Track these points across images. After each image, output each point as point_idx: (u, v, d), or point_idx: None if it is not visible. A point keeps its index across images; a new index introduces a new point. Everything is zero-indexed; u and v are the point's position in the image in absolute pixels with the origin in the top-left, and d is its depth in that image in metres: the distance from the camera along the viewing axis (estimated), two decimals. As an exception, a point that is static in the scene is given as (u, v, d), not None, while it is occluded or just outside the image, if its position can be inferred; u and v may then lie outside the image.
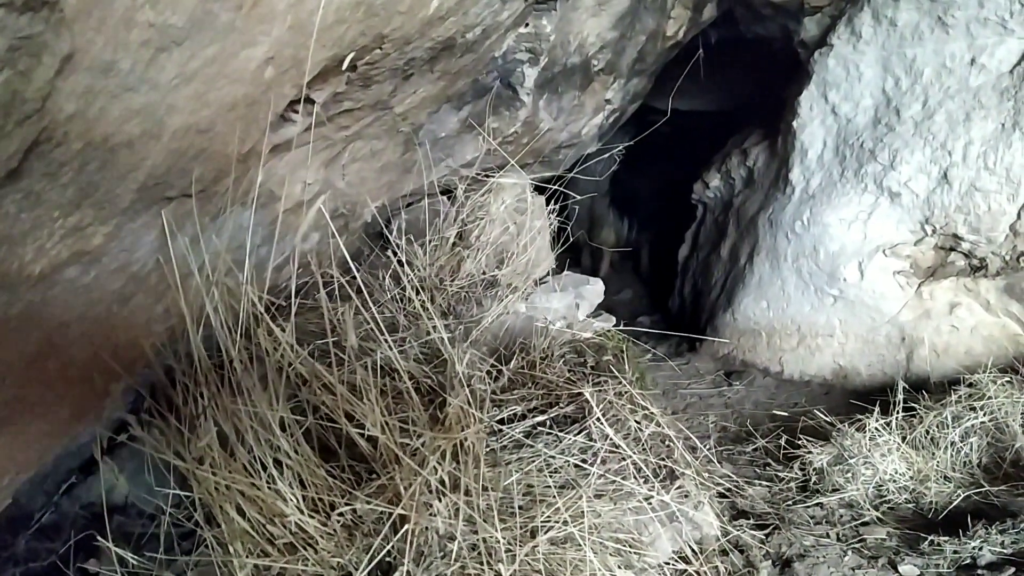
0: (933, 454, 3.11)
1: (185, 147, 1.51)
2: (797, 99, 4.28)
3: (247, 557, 1.70)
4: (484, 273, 2.92)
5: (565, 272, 3.72)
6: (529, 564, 1.96)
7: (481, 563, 1.91)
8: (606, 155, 4.15)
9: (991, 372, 3.46)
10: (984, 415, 3.19)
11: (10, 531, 2.08)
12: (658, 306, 6.67)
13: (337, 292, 2.96)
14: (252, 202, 2.10)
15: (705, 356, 4.97)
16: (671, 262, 6.35)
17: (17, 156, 1.11)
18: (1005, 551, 2.52)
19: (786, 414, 3.76)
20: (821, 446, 3.25)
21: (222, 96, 1.51)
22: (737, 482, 3.04)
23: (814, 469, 3.16)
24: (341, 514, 1.70)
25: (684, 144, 6.44)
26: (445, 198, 3.45)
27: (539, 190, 3.73)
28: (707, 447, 3.02)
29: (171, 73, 1.33)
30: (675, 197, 6.78)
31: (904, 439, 3.17)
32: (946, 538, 2.62)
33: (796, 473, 3.20)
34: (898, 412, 3.27)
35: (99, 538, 1.82)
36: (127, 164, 1.37)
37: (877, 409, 3.32)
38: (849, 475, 3.07)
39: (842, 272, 4.13)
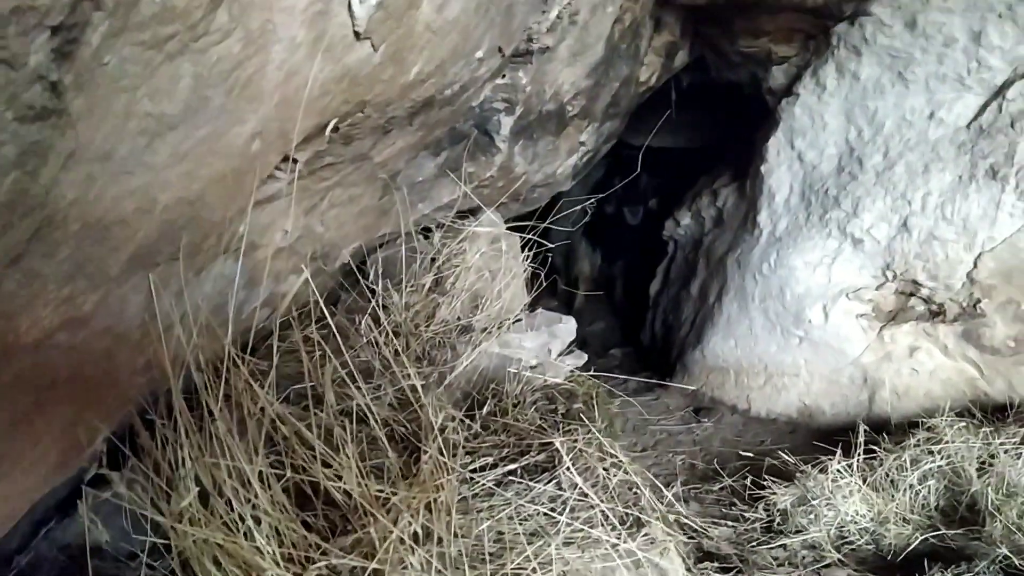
0: (893, 496, 3.18)
1: (175, 218, 1.57)
2: (765, 144, 4.41)
3: (224, 609, 1.75)
4: (459, 319, 2.99)
5: (539, 310, 3.78)
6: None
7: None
8: (578, 207, 4.23)
9: (948, 416, 3.58)
10: (941, 459, 3.28)
11: (-12, 577, 2.11)
12: (630, 338, 6.75)
13: (315, 335, 3.02)
14: (235, 253, 2.17)
15: (675, 392, 5.03)
16: (645, 295, 6.44)
17: (22, 244, 1.17)
18: (960, 594, 2.61)
19: (752, 454, 3.83)
20: (785, 487, 3.31)
21: (212, 171, 1.58)
22: (703, 524, 3.10)
23: (778, 510, 3.22)
24: (318, 569, 1.75)
25: (657, 179, 6.57)
26: (421, 237, 3.51)
27: (514, 229, 3.81)
28: (674, 488, 3.09)
29: (165, 155, 1.40)
30: (649, 231, 6.89)
31: (865, 481, 3.24)
32: (904, 581, 2.71)
33: (761, 514, 3.27)
34: (859, 454, 3.35)
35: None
36: (120, 238, 1.43)
37: (839, 451, 3.40)
38: (812, 516, 3.13)
39: (807, 314, 4.25)
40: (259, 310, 2.71)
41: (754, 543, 3.10)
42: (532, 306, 3.71)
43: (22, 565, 2.23)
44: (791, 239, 4.31)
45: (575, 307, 6.95)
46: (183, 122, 1.38)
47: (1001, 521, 2.88)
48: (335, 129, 2.11)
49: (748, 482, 3.48)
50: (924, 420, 3.59)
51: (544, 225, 3.53)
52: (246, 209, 1.93)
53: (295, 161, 2.14)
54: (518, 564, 2.14)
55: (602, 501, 2.37)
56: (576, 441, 2.51)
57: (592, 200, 4.11)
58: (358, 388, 2.29)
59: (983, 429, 3.42)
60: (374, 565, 1.74)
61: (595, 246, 7.64)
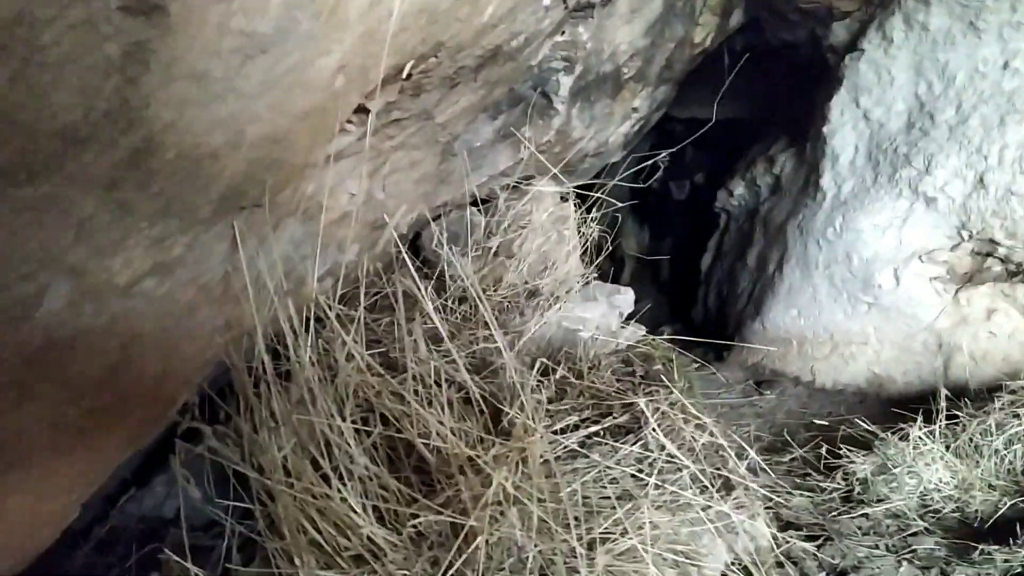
0: (977, 462, 3.06)
1: (261, 157, 1.50)
2: (827, 104, 4.25)
3: (316, 569, 1.68)
4: (526, 283, 2.90)
5: (595, 281, 3.70)
6: (592, 576, 1.93)
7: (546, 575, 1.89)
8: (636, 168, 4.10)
9: (1031, 378, 3.44)
10: (1028, 422, 3.15)
11: (68, 546, 2.07)
12: (679, 316, 6.63)
13: (378, 304, 2.95)
14: (305, 213, 2.10)
15: (733, 366, 4.91)
16: (693, 271, 6.32)
17: (120, 168, 1.10)
18: (1056, 559, 2.49)
19: (825, 423, 3.71)
20: (864, 455, 3.20)
21: (298, 105, 1.51)
22: (781, 493, 3.00)
23: (857, 479, 3.11)
24: (414, 526, 1.67)
25: (706, 152, 6.43)
26: (477, 209, 3.44)
27: (565, 199, 3.72)
28: (748, 457, 2.99)
29: (256, 81, 1.32)
30: (696, 206, 6.77)
31: (948, 447, 3.12)
32: (996, 547, 2.57)
33: (839, 483, 3.15)
34: (941, 420, 3.23)
35: (165, 550, 1.80)
36: (210, 174, 1.36)
37: (920, 417, 3.28)
38: (894, 484, 3.02)
39: (877, 279, 4.10)
40: (323, 279, 2.64)
41: (835, 512, 2.99)
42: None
43: (101, 535, 2.19)
44: (858, 201, 4.16)
45: (622, 284, 6.84)
46: (273, 45, 1.30)
47: (1093, 483, 2.76)
48: (408, 76, 2.03)
49: (822, 452, 3.35)
50: (1006, 384, 3.44)
51: (599, 195, 3.43)
52: (322, 160, 1.85)
53: (367, 112, 2.06)
54: (607, 527, 2.05)
55: (690, 463, 2.28)
56: (659, 402, 2.41)
57: (657, 159, 3.95)
58: (435, 350, 2.21)
59: (1070, 391, 3.28)
60: (471, 522, 1.66)
61: (642, 223, 7.53)
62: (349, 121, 2.07)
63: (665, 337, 3.33)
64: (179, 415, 1.98)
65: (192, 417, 1.85)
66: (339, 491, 1.67)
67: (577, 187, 3.73)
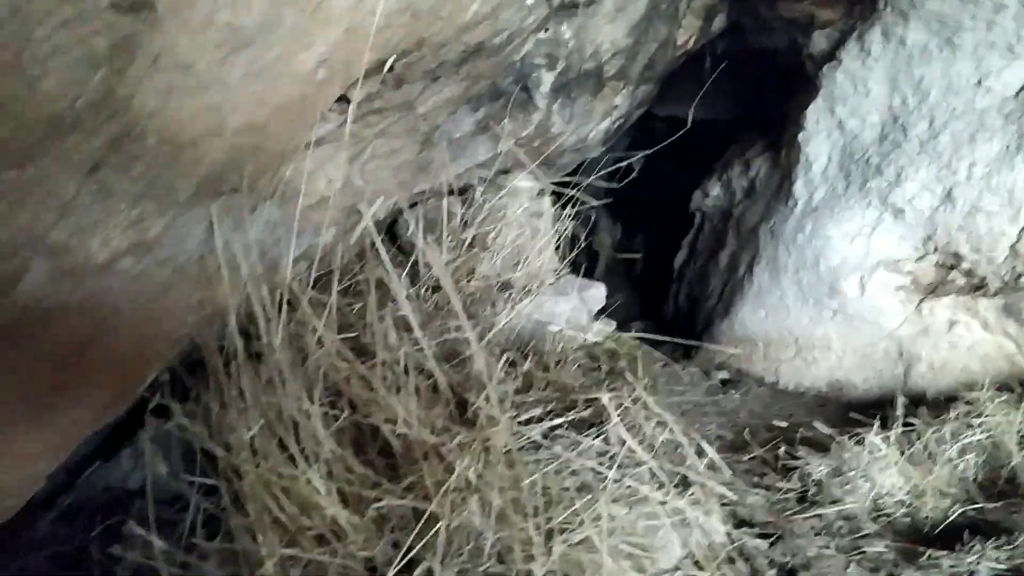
0: (931, 470, 3.13)
1: (243, 144, 1.53)
2: (804, 112, 4.32)
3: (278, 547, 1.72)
4: (499, 276, 2.95)
5: (567, 276, 3.74)
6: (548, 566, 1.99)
7: (503, 562, 1.94)
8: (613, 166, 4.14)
9: (989, 390, 3.52)
10: (981, 432, 3.23)
11: (31, 516, 2.09)
12: (650, 313, 6.69)
13: (352, 289, 2.98)
14: (280, 197, 2.13)
15: (700, 364, 4.99)
16: (666, 268, 6.38)
17: (101, 152, 1.13)
18: (1001, 566, 2.56)
19: (784, 424, 3.79)
20: (820, 458, 3.27)
21: (280, 96, 1.54)
22: (738, 491, 3.07)
23: (813, 480, 3.17)
24: (377, 509, 1.72)
25: (682, 152, 6.47)
26: (454, 199, 3.47)
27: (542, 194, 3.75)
28: (704, 456, 3.05)
29: (239, 73, 1.35)
30: (672, 204, 6.82)
31: (903, 453, 3.20)
32: (943, 552, 2.65)
33: (795, 484, 3.21)
34: (898, 427, 3.31)
35: (130, 522, 1.83)
36: (191, 160, 1.39)
37: (877, 423, 3.36)
38: (848, 488, 3.09)
39: (842, 286, 4.18)
40: (297, 262, 2.67)
41: (789, 512, 3.05)
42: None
43: (64, 506, 2.21)
44: (828, 209, 4.24)
45: (595, 279, 6.89)
46: (258, 37, 1.33)
47: (1043, 494, 2.85)
48: (391, 69, 2.06)
49: (780, 453, 3.43)
50: (963, 395, 3.53)
51: (575, 192, 3.47)
52: (302, 147, 1.88)
53: (348, 102, 2.09)
54: (565, 519, 2.11)
55: (649, 459, 2.33)
56: (622, 398, 2.47)
57: (634, 159, 4.00)
58: (406, 337, 2.25)
59: (1024, 404, 3.37)
60: (433, 507, 1.71)
61: (616, 219, 7.57)
62: (330, 109, 2.10)
63: (634, 335, 3.38)
64: (148, 392, 2.01)
65: (162, 395, 1.87)
66: (304, 472, 1.70)
67: (554, 183, 3.77)
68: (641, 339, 3.54)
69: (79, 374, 1.55)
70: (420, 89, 2.51)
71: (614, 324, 3.79)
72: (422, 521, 1.73)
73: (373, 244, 3.43)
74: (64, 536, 2.13)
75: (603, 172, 3.89)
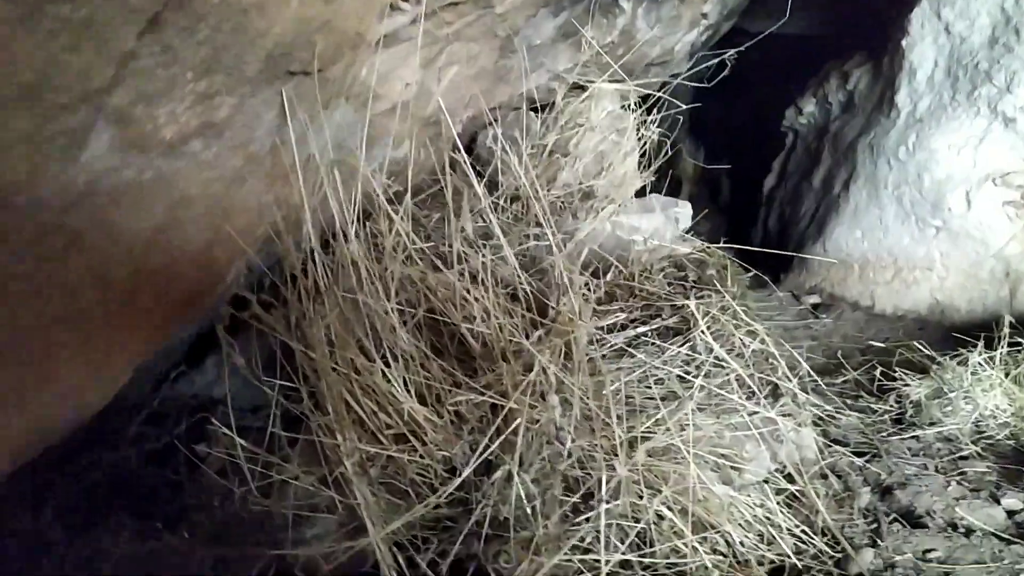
0: (1036, 392, 2.97)
1: (311, 16, 1.45)
2: (907, 16, 4.03)
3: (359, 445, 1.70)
4: (581, 183, 2.84)
5: (652, 194, 3.61)
6: (629, 473, 1.93)
7: (584, 468, 1.88)
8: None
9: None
10: (1091, 353, 3.03)
11: (122, 418, 2.13)
12: (737, 238, 6.48)
13: (430, 200, 2.92)
14: (356, 97, 2.06)
15: (791, 288, 4.82)
16: (753, 193, 6.16)
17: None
18: (1105, 491, 2.41)
19: (881, 345, 3.63)
20: (919, 379, 3.13)
21: (349, -36, 1.46)
22: (830, 410, 2.96)
23: (910, 402, 3.06)
24: (454, 405, 1.67)
25: (772, 71, 6.17)
26: (533, 114, 3.36)
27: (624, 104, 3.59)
28: (798, 374, 2.94)
29: (304, -68, 1.27)
30: (760, 125, 6.54)
31: (1007, 375, 3.03)
32: (1048, 474, 2.52)
33: (891, 405, 3.10)
34: (1003, 347, 3.13)
35: (213, 421, 1.84)
36: (257, 29, 1.32)
37: (981, 343, 3.18)
38: (948, 409, 2.96)
39: (947, 201, 3.93)
40: (376, 172, 2.61)
41: (884, 433, 2.94)
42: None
43: (152, 408, 2.25)
44: (934, 119, 3.97)
45: (679, 200, 6.70)
46: None
47: None
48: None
49: (876, 375, 3.29)
50: (1073, 316, 3.31)
51: (661, 94, 3.30)
52: (374, 39, 1.79)
53: (421, -8, 1.99)
54: (648, 427, 2.04)
55: (738, 368, 2.23)
56: (710, 306, 2.36)
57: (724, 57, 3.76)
58: (486, 245, 2.18)
59: None
60: (511, 404, 1.66)
61: (699, 144, 7.33)
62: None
63: (721, 246, 3.25)
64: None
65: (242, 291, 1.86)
66: (382, 370, 1.67)
67: (638, 85, 3.60)
68: (730, 252, 3.40)
69: (157, 263, 1.53)
70: (499, -19, 2.38)
71: (699, 243, 3.65)
72: (499, 419, 1.68)
73: (453, 152, 3.38)
74: (152, 436, 2.18)
75: (690, 73, 3.67)
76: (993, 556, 2.13)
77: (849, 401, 3.26)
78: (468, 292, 1.84)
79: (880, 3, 4.57)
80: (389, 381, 1.68)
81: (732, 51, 3.49)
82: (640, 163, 3.50)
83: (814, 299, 4.61)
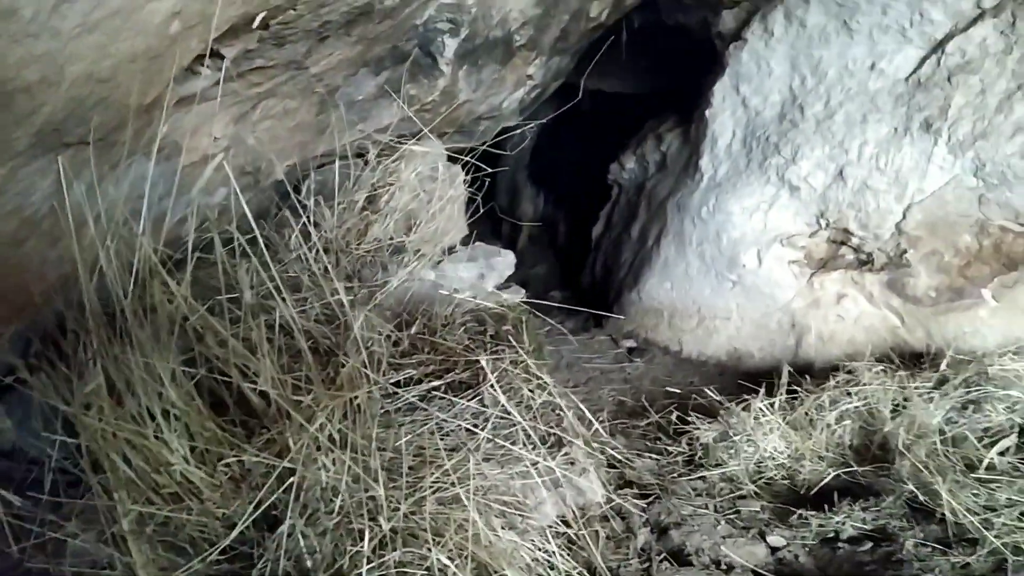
0: (810, 435, 3.25)
1: (85, 95, 1.50)
2: (711, 89, 4.41)
3: (132, 504, 1.72)
4: (391, 239, 2.95)
5: (476, 243, 3.76)
6: (415, 522, 2.03)
7: (365, 519, 1.97)
8: (518, 131, 4.15)
9: (869, 360, 3.68)
10: (858, 400, 3.37)
11: None
12: (571, 282, 6.78)
13: (238, 250, 2.95)
14: (154, 153, 2.09)
15: (609, 332, 5.10)
16: (587, 238, 6.46)
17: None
18: (866, 527, 2.69)
19: (680, 391, 3.91)
20: (709, 423, 3.39)
21: (125, 48, 1.51)
22: (628, 456, 3.15)
23: (700, 445, 3.29)
24: (228, 465, 1.73)
25: (604, 124, 6.53)
26: (359, 161, 3.45)
27: (455, 160, 3.75)
28: (600, 419, 3.12)
29: (73, 22, 1.33)
30: (594, 175, 6.88)
31: (785, 419, 3.32)
32: (814, 513, 2.77)
33: (684, 448, 3.33)
34: (781, 394, 3.44)
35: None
36: (25, 108, 1.36)
37: (763, 390, 3.49)
38: (732, 451, 3.20)
39: (742, 258, 4.30)
40: (183, 222, 2.63)
41: (675, 474, 3.15)
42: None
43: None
44: (730, 184, 4.35)
45: (518, 249, 6.93)
46: (92, -13, 1.32)
47: (910, 460, 2.97)
48: (264, 26, 2.04)
49: (674, 418, 3.53)
50: (844, 364, 3.68)
51: (483, 147, 3.48)
52: (164, 101, 1.85)
53: (222, 57, 2.06)
54: (437, 478, 2.15)
55: (524, 420, 2.39)
56: (503, 361, 2.51)
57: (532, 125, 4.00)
58: (283, 300, 2.24)
59: (899, 374, 3.51)
60: (286, 463, 1.73)
61: (539, 188, 7.62)
62: (203, 63, 2.07)
63: (537, 303, 3.43)
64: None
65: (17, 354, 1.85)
66: (153, 430, 1.71)
67: (450, 148, 3.77)
68: (552, 307, 3.59)
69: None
70: (306, 49, 2.48)
71: (523, 292, 3.84)
72: (274, 477, 1.75)
73: (271, 204, 3.42)
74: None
75: (500, 138, 3.88)
76: (747, 590, 2.35)
77: (649, 443, 3.50)
78: (249, 351, 1.90)
79: (693, 72, 4.97)
80: (159, 438, 1.72)
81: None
82: (468, 210, 3.65)
83: (630, 343, 4.89)
